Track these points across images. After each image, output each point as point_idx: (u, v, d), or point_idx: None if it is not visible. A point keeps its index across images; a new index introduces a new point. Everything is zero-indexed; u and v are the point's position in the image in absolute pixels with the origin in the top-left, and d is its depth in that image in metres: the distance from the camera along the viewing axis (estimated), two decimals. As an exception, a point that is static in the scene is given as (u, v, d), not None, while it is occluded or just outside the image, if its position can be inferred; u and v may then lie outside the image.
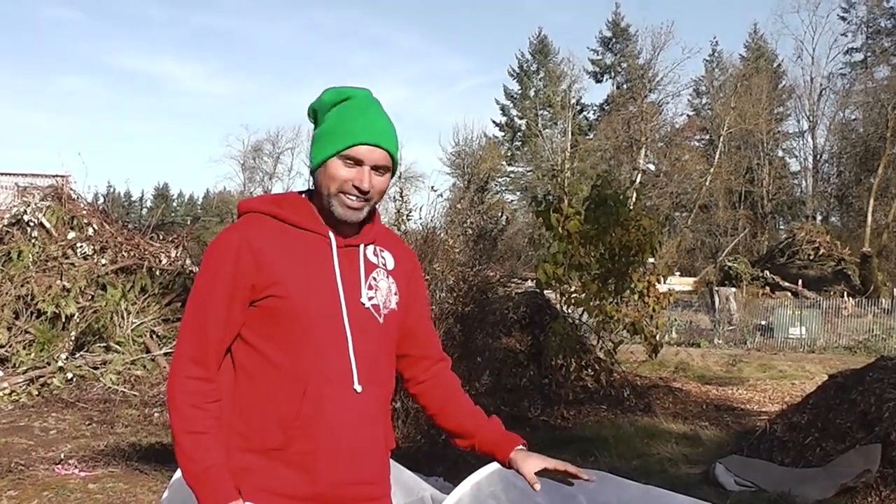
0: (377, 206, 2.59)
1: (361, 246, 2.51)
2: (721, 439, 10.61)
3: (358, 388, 2.39)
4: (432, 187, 11.14)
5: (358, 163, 2.38)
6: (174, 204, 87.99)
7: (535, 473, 2.53)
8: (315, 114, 2.51)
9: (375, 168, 2.41)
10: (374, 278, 2.50)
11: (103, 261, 13.99)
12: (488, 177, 60.10)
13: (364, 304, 2.45)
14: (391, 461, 3.65)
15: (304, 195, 2.54)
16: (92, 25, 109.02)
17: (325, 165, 2.41)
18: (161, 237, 15.40)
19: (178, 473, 3.72)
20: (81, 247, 14.05)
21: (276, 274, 2.35)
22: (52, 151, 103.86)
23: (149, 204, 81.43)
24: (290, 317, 2.35)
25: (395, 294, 2.55)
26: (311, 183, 2.54)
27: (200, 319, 2.37)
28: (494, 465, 3.51)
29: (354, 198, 2.39)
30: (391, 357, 2.58)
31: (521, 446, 2.62)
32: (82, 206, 15.03)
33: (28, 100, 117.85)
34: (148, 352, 13.17)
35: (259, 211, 2.47)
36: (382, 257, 2.57)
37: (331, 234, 2.45)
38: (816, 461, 8.30)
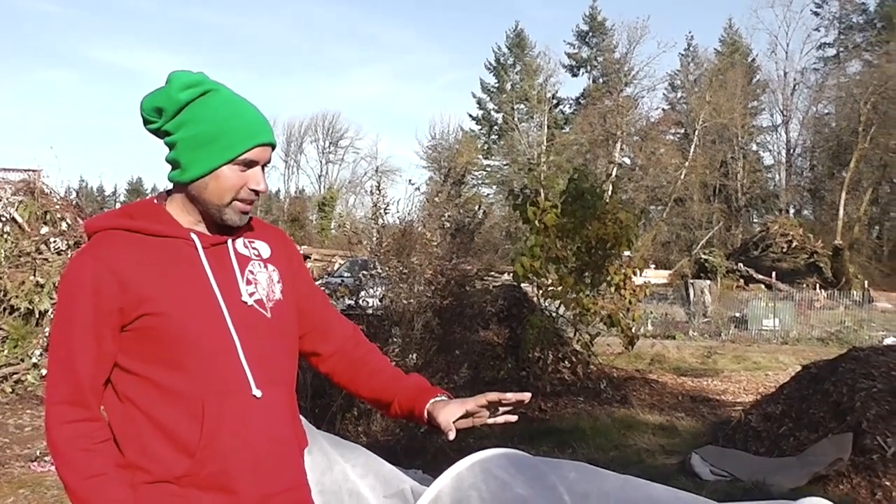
0: None
1: (229, 241, 2.32)
2: (697, 430, 10.69)
3: (257, 392, 2.21)
4: (410, 181, 11.17)
5: (251, 165, 2.23)
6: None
7: (458, 419, 2.37)
8: (160, 112, 2.25)
9: (265, 165, 2.28)
10: (251, 272, 2.33)
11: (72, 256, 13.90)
12: (465, 170, 60.16)
13: (246, 302, 2.27)
14: (370, 453, 3.68)
15: (155, 201, 2.34)
16: (68, 17, 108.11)
17: (213, 175, 2.20)
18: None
19: None
20: (55, 242, 13.92)
21: (143, 291, 2.14)
22: (25, 146, 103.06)
23: (122, 199, 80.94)
24: (169, 333, 2.15)
25: (279, 282, 2.38)
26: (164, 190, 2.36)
27: (69, 358, 2.14)
28: (475, 457, 3.54)
29: (250, 203, 2.26)
30: (290, 351, 2.41)
31: (440, 397, 2.46)
32: (55, 200, 14.87)
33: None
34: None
35: (109, 227, 2.24)
36: (254, 248, 2.39)
37: (193, 236, 2.26)
38: (790, 450, 8.41)
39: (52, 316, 12.51)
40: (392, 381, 2.57)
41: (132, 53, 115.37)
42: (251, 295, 2.29)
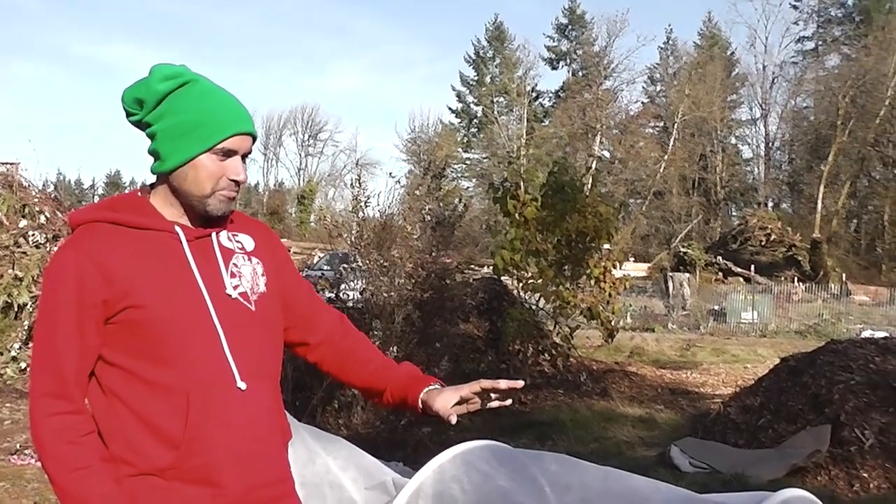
0: None
1: (213, 234, 2.31)
2: (676, 422, 10.75)
3: (242, 385, 2.20)
4: (390, 174, 11.17)
5: (230, 154, 2.22)
6: (126, 192, 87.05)
7: (453, 406, 2.38)
8: (141, 103, 2.25)
9: (245, 155, 2.27)
10: (235, 265, 2.32)
11: (56, 249, 13.83)
12: (445, 164, 60.16)
13: (231, 295, 2.26)
14: (352, 446, 3.68)
15: (140, 193, 2.32)
16: (44, 10, 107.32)
17: (191, 165, 2.19)
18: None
19: None
20: (34, 235, 13.83)
21: (127, 283, 2.14)
22: (1, 139, 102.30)
23: (101, 192, 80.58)
24: (153, 326, 2.14)
25: (263, 275, 2.36)
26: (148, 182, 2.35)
27: (52, 351, 2.14)
28: (457, 449, 3.55)
29: (233, 192, 2.25)
30: (275, 344, 2.39)
31: (433, 385, 2.46)
32: (34, 193, 14.77)
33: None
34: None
35: (93, 220, 2.22)
36: (238, 241, 2.38)
37: (177, 229, 2.24)
38: (769, 442, 8.46)
39: (30, 309, 12.49)
40: (383, 370, 2.57)
41: (109, 46, 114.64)
42: (235, 288, 2.28)
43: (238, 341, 2.23)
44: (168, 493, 2.15)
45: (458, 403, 2.42)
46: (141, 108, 2.25)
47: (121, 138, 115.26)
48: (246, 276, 2.33)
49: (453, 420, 2.38)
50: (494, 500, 3.29)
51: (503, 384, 2.41)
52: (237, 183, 2.25)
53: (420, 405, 2.46)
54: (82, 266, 2.13)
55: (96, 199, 68.25)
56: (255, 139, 2.31)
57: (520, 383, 2.45)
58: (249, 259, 2.37)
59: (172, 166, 2.21)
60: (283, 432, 2.38)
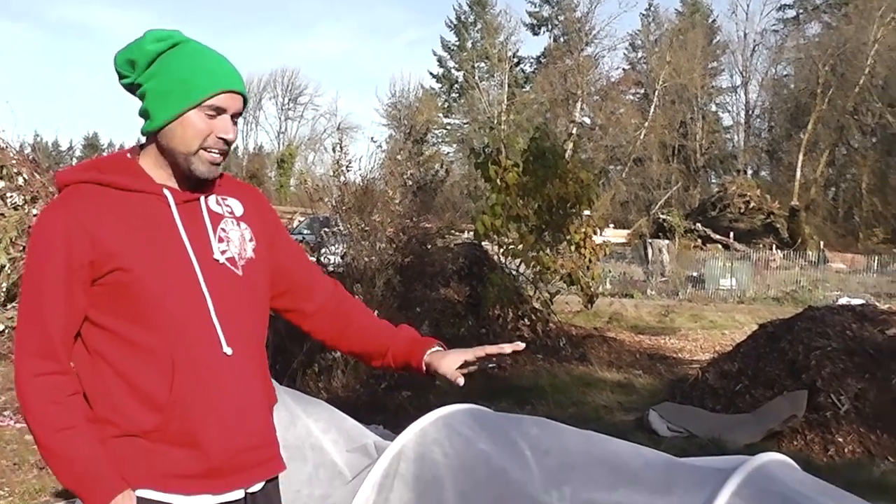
0: None
1: (202, 198, 2.30)
2: (654, 387, 10.82)
3: (228, 350, 2.20)
4: (372, 138, 11.14)
5: (220, 112, 2.19)
6: (104, 154, 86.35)
7: (457, 368, 2.42)
8: (133, 65, 2.24)
9: (235, 116, 2.24)
10: (224, 229, 2.31)
11: (34, 211, 13.72)
12: (427, 129, 59.95)
13: (218, 260, 2.26)
14: (333, 409, 3.69)
15: (128, 154, 2.31)
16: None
17: (179, 121, 2.18)
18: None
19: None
20: (11, 197, 13.73)
21: (115, 246, 2.13)
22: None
23: (78, 154, 79.93)
24: (140, 289, 2.14)
25: (251, 240, 2.36)
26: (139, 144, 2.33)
27: (39, 311, 2.14)
28: (439, 413, 3.56)
29: (217, 152, 2.21)
30: (261, 309, 2.39)
31: (435, 347, 2.49)
32: (11, 155, 14.64)
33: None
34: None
35: (80, 180, 2.21)
36: (227, 205, 2.37)
37: (166, 192, 2.23)
38: (746, 407, 8.54)
39: (9, 271, 12.40)
40: (383, 334, 2.59)
41: (88, 8, 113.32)
42: (223, 253, 2.28)
43: (224, 306, 2.23)
44: (152, 454, 2.15)
45: (462, 366, 2.44)
46: (133, 69, 2.24)
47: (99, 101, 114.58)
48: (234, 241, 2.32)
49: (461, 382, 2.41)
50: (475, 463, 3.32)
51: (508, 349, 2.45)
52: (226, 142, 2.22)
53: (424, 367, 2.48)
54: (70, 227, 2.12)
55: (74, 161, 67.72)
56: (246, 101, 2.28)
57: (522, 345, 2.49)
58: (238, 224, 2.36)
59: (161, 123, 2.20)
60: (268, 397, 2.38)
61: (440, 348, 2.50)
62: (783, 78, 62.85)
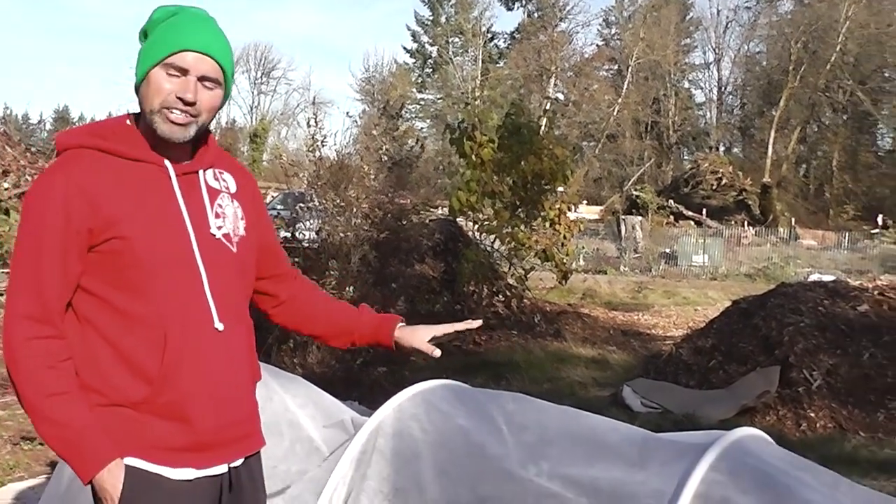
0: (209, 126, 2.33)
1: (200, 172, 2.31)
2: (628, 363, 10.88)
3: (219, 326, 2.23)
4: (347, 113, 11.10)
5: (183, 72, 2.16)
6: (74, 127, 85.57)
7: (428, 342, 2.57)
8: (145, 35, 2.26)
9: (204, 80, 2.19)
10: (220, 205, 2.32)
11: (6, 185, 13.58)
12: (402, 104, 59.79)
13: (214, 235, 2.27)
14: (310, 384, 3.69)
15: (129, 120, 2.29)
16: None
17: (146, 80, 2.18)
18: (66, 161, 14.99)
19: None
20: (-18, 170, 13.62)
21: (114, 214, 2.13)
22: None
23: (49, 127, 79.25)
24: (137, 259, 2.14)
25: (242, 218, 2.37)
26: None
27: (35, 274, 2.12)
28: (417, 388, 3.57)
29: (179, 112, 2.17)
30: (249, 287, 2.44)
31: (400, 324, 2.63)
32: (-18, 128, 14.52)
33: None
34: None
35: (81, 145, 2.21)
36: (224, 180, 2.38)
37: (166, 163, 2.24)
38: (719, 383, 8.60)
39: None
40: (346, 315, 2.69)
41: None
42: (219, 228, 2.29)
43: (218, 282, 2.25)
44: (139, 425, 2.17)
45: (431, 340, 2.58)
46: (145, 39, 2.25)
47: (68, 73, 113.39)
48: (229, 218, 2.33)
49: (437, 353, 2.57)
50: (453, 438, 3.33)
51: (475, 324, 2.68)
52: (184, 102, 2.17)
53: (393, 343, 2.61)
54: (70, 192, 2.12)
55: (45, 134, 67.14)
56: (223, 68, 2.24)
57: (479, 322, 2.72)
58: (232, 201, 2.37)
59: (135, 84, 2.22)
60: (253, 373, 2.42)
61: (402, 323, 2.64)
62: (756, 55, 63.07)
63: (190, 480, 2.23)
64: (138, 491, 2.15)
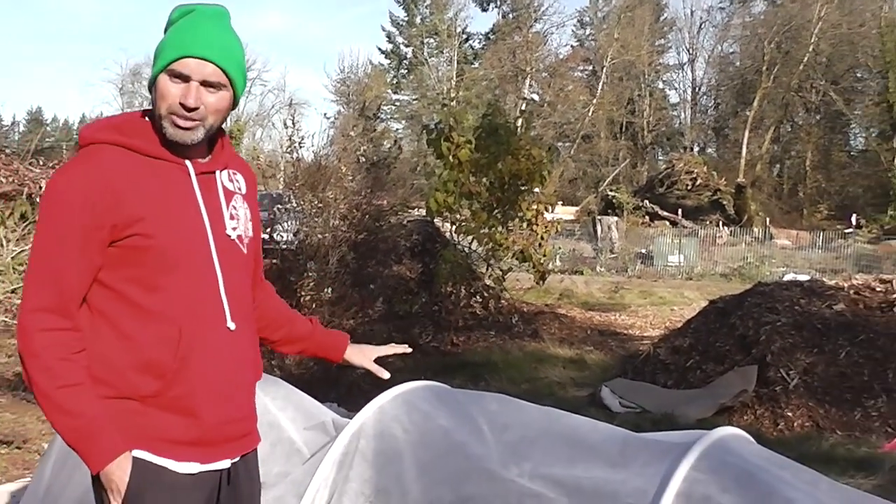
0: (221, 127, 2.39)
1: (217, 172, 2.36)
2: (606, 363, 10.91)
3: (231, 325, 2.30)
4: (325, 114, 11.08)
5: (185, 79, 2.19)
6: (48, 129, 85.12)
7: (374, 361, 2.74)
8: (164, 34, 2.30)
9: (206, 84, 2.22)
10: (234, 206, 2.38)
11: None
12: (379, 106, 59.74)
13: (230, 236, 2.33)
14: (291, 386, 3.69)
15: (146, 117, 2.32)
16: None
17: (155, 85, 2.23)
18: (42, 163, 14.91)
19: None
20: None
21: (138, 211, 2.17)
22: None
23: (22, 129, 78.70)
24: (157, 256, 2.19)
25: (251, 220, 2.44)
26: None
27: (55, 267, 2.16)
28: (398, 389, 3.57)
29: (183, 118, 2.20)
30: (251, 285, 2.50)
31: (349, 344, 2.80)
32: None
33: None
34: (30, 280, 12.80)
35: (106, 141, 2.24)
36: (237, 181, 2.44)
37: (187, 163, 2.29)
38: (697, 382, 8.64)
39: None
40: (298, 324, 2.81)
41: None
42: (234, 230, 2.36)
43: (232, 282, 2.33)
44: (146, 418, 2.22)
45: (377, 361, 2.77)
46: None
47: (41, 74, 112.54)
48: (242, 219, 2.40)
49: (386, 376, 2.78)
50: (435, 438, 3.33)
51: (408, 350, 3.00)
52: (188, 108, 2.20)
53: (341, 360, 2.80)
54: (95, 187, 2.15)
55: (18, 137, 66.60)
56: (225, 72, 2.26)
57: (409, 349, 3.02)
58: (244, 202, 2.44)
59: (148, 88, 2.27)
60: (256, 372, 2.48)
61: (349, 345, 2.83)
62: (729, 55, 63.26)
63: (194, 474, 2.28)
64: (144, 483, 2.19)
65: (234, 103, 2.36)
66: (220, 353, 2.28)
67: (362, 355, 2.75)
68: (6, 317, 11.83)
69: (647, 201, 41.43)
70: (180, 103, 2.20)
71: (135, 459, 2.19)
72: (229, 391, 2.32)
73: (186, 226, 2.25)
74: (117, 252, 2.18)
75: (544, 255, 12.81)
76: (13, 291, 12.48)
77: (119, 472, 2.16)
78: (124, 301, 2.20)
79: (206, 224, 2.28)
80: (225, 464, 2.35)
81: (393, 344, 2.94)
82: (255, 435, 2.49)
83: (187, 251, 2.23)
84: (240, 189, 2.43)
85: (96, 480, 2.22)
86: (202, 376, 2.24)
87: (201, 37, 2.23)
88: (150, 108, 2.31)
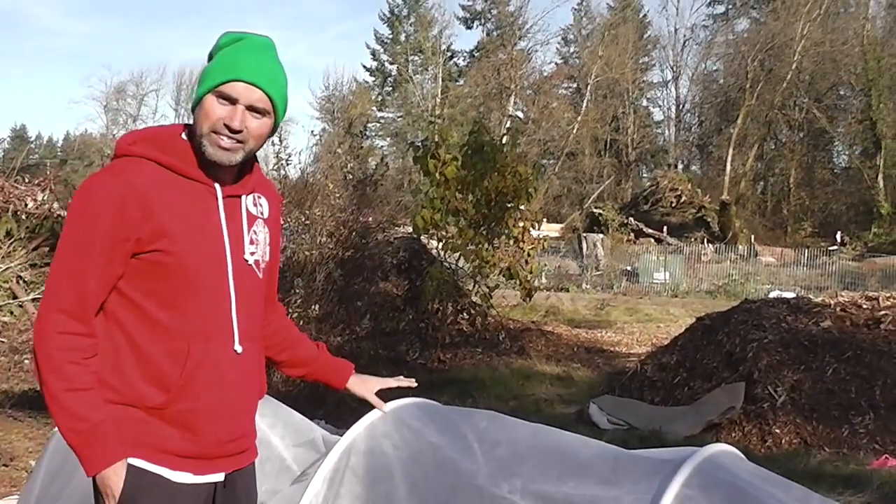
0: (256, 153, 2.45)
1: (243, 197, 2.43)
2: (593, 380, 10.91)
3: (238, 348, 2.36)
4: (312, 132, 11.11)
5: (232, 101, 2.27)
6: (32, 146, 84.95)
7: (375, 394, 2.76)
8: (210, 58, 2.38)
9: (252, 109, 2.30)
10: (255, 231, 2.44)
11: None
12: (366, 123, 59.80)
13: (247, 261, 2.40)
14: (280, 403, 3.68)
15: (183, 134, 2.39)
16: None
17: (200, 105, 2.30)
18: (27, 180, 14.85)
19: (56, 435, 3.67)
20: (-61, 188, 13.47)
21: (164, 227, 2.24)
22: None
23: (5, 146, 78.55)
24: (176, 273, 2.26)
25: (269, 244, 2.50)
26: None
27: (79, 272, 2.22)
28: (388, 406, 3.56)
29: (226, 138, 2.27)
30: (262, 309, 2.56)
31: (353, 374, 2.85)
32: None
33: None
34: (15, 297, 12.76)
35: (141, 155, 2.31)
36: (261, 205, 2.50)
37: (216, 186, 2.35)
38: (685, 399, 8.64)
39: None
40: (305, 348, 2.87)
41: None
42: (252, 255, 2.42)
43: (244, 306, 2.39)
44: (147, 427, 2.29)
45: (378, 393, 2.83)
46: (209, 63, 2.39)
47: (27, 91, 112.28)
48: (261, 245, 2.47)
49: (387, 408, 2.91)
50: (425, 455, 3.32)
51: (413, 384, 3.10)
52: (232, 130, 2.28)
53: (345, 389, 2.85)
54: (127, 199, 2.22)
55: (1, 154, 66.36)
56: (271, 100, 2.34)
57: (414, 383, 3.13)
58: (265, 227, 2.50)
59: (192, 107, 2.36)
60: (260, 390, 2.53)
61: (353, 375, 2.88)
62: (713, 73, 63.62)
63: (188, 484, 2.35)
64: (139, 489, 2.27)
65: (273, 131, 2.43)
66: (225, 374, 2.35)
67: (364, 387, 2.81)
68: (-9, 334, 11.75)
69: (631, 218, 41.54)
70: (225, 124, 2.27)
71: (131, 467, 2.26)
72: (230, 411, 2.39)
73: (207, 248, 2.32)
74: (139, 264, 2.26)
75: (531, 272, 12.81)
76: (-1, 308, 12.42)
77: (115, 478, 2.23)
78: (139, 312, 2.27)
79: (227, 248, 2.34)
80: (218, 476, 2.41)
81: (401, 377, 3.02)
82: (252, 451, 2.55)
83: (205, 272, 2.30)
84: (262, 213, 2.49)
85: (94, 484, 2.29)
86: (206, 394, 2.31)
87: (252, 63, 2.31)
88: (191, 123, 2.39)
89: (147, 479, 2.28)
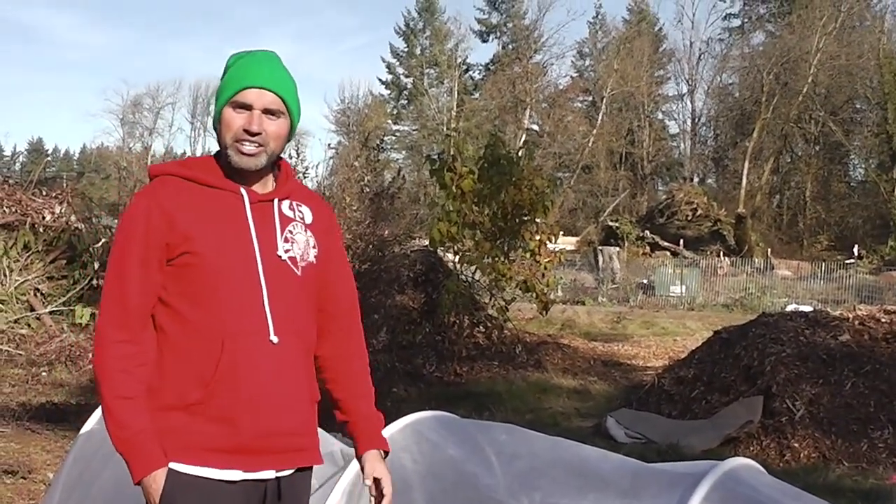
0: (282, 156, 2.60)
1: (276, 200, 2.51)
2: (610, 393, 10.88)
3: (274, 339, 2.40)
4: (329, 144, 11.13)
5: (248, 108, 2.41)
6: (49, 159, 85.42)
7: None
8: (222, 79, 2.53)
9: (267, 112, 2.43)
10: (291, 231, 2.51)
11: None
12: (383, 136, 59.86)
13: (281, 257, 2.47)
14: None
15: (214, 156, 2.54)
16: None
17: (220, 118, 2.44)
18: (44, 193, 14.92)
19: (89, 425, 3.69)
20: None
21: (188, 231, 2.38)
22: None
23: (22, 159, 79.02)
24: (204, 272, 2.38)
25: (314, 248, 2.55)
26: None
27: (119, 284, 2.40)
28: (407, 419, 3.57)
29: (248, 143, 2.41)
30: (311, 309, 2.57)
31: (373, 451, 2.65)
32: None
33: None
34: (32, 310, 12.82)
35: (167, 173, 2.49)
36: (300, 211, 2.57)
37: (242, 191, 2.46)
38: (702, 413, 8.61)
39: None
40: (361, 400, 2.74)
41: (29, 8, 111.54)
42: (286, 251, 2.49)
43: (278, 298, 2.45)
44: (188, 429, 2.38)
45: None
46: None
47: (44, 104, 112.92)
48: (299, 244, 2.53)
49: (367, 482, 2.63)
50: (444, 469, 3.32)
51: None
52: (252, 134, 2.41)
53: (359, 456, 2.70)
54: (152, 211, 2.40)
55: (18, 166, 66.87)
56: (283, 100, 2.47)
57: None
58: (306, 230, 2.57)
59: (213, 125, 2.51)
60: (309, 390, 2.56)
61: (378, 451, 2.67)
62: (728, 86, 63.44)
63: (235, 482, 2.40)
64: (177, 491, 2.35)
65: (291, 132, 2.56)
66: (261, 365, 2.40)
67: (371, 467, 2.64)
68: (9, 346, 11.79)
69: (647, 231, 41.45)
70: (244, 129, 2.41)
71: (171, 471, 2.35)
72: (271, 402, 2.42)
73: (234, 245, 2.42)
74: (173, 270, 2.40)
75: (547, 286, 12.80)
76: (16, 321, 12.46)
77: (154, 485, 2.33)
78: (176, 315, 2.41)
79: (255, 244, 2.43)
80: (269, 474, 2.45)
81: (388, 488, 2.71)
82: (308, 453, 2.56)
83: (233, 269, 2.41)
84: (302, 218, 2.57)
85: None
86: (243, 386, 2.38)
87: (259, 71, 2.46)
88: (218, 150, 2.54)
89: (186, 482, 2.36)
